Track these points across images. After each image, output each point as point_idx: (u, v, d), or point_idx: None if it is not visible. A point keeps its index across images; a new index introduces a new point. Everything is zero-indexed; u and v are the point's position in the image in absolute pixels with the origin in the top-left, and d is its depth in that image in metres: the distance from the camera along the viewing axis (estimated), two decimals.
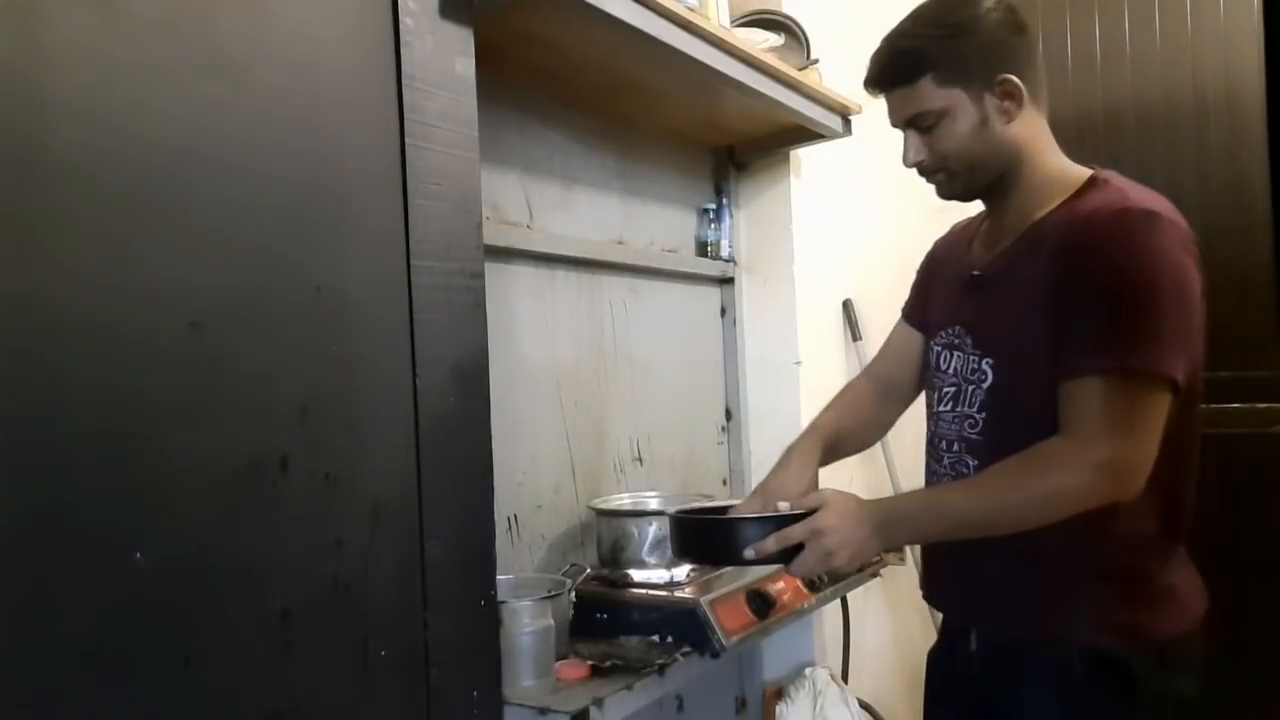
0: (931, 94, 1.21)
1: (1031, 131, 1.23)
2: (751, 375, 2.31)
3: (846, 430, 1.47)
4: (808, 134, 2.14)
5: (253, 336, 0.93)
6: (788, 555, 1.16)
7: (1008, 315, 1.23)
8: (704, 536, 1.28)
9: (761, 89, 1.81)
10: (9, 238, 0.77)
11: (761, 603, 1.58)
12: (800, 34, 2.08)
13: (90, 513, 0.80)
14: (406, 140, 1.08)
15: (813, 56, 2.06)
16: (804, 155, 2.30)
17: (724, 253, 2.25)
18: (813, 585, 1.73)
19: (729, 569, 1.66)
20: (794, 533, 1.15)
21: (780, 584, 1.64)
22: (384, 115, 1.07)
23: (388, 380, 1.05)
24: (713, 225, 2.24)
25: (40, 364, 0.78)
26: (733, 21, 1.90)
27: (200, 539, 0.87)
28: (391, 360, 1.06)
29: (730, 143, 2.27)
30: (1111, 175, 1.23)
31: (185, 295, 0.87)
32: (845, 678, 2.21)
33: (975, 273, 1.31)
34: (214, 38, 0.91)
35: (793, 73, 1.90)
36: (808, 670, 2.11)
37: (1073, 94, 2.91)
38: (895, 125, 1.28)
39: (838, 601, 2.10)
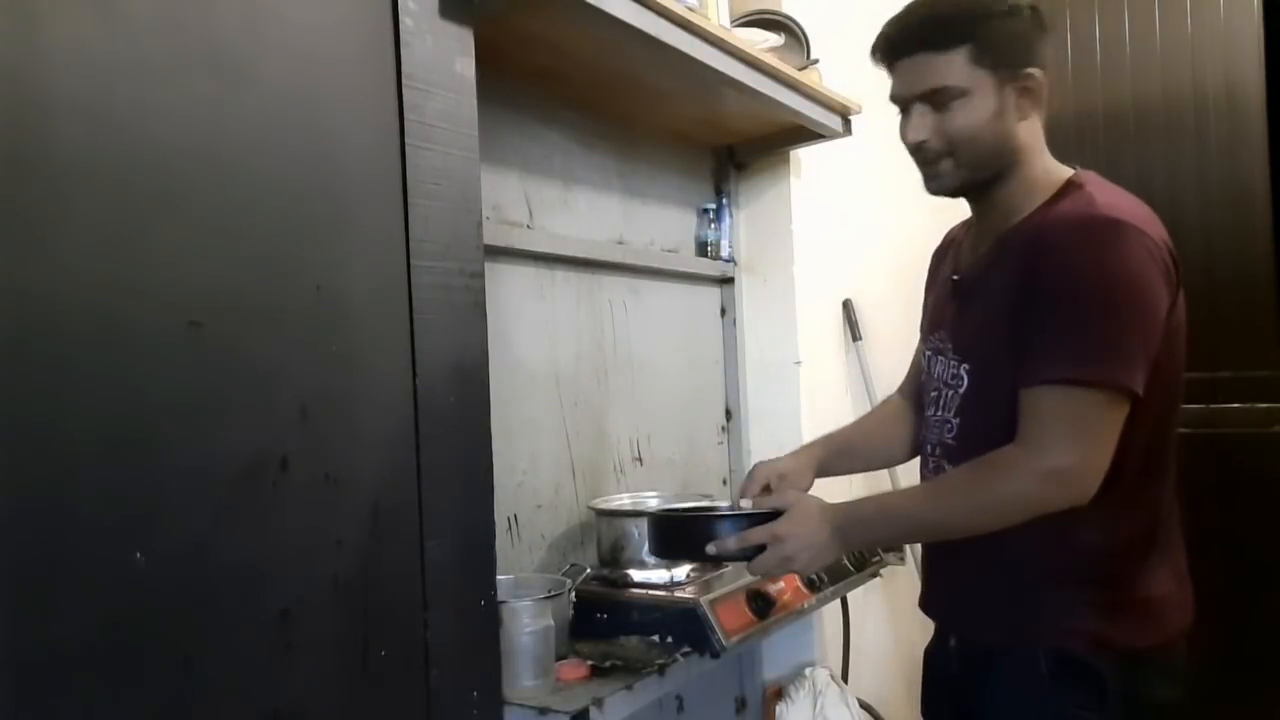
0: (960, 69, 1.14)
1: (1033, 133, 1.21)
2: (751, 375, 2.31)
3: (861, 440, 1.53)
4: (808, 134, 2.14)
5: (253, 336, 0.93)
6: (749, 554, 1.19)
7: (980, 321, 1.23)
8: (673, 532, 1.33)
9: (761, 89, 1.81)
10: (9, 237, 0.77)
11: (761, 603, 1.58)
12: (800, 34, 2.08)
13: (90, 513, 0.80)
14: (406, 140, 1.08)
15: (813, 56, 2.06)
16: (804, 155, 2.30)
17: (724, 253, 2.25)
18: (812, 585, 1.73)
19: (729, 569, 1.66)
20: (755, 535, 1.18)
21: (780, 584, 1.64)
22: (384, 115, 1.07)
23: (388, 380, 1.05)
24: (713, 225, 2.24)
25: (40, 363, 0.78)
26: (733, 21, 1.90)
27: (200, 539, 0.87)
28: (391, 360, 1.06)
29: (730, 143, 2.27)
30: (1089, 177, 1.21)
31: (185, 294, 0.87)
32: (845, 678, 2.21)
33: (955, 277, 1.32)
34: (214, 37, 0.91)
35: (793, 73, 1.90)
36: (808, 670, 2.11)
37: (1073, 94, 2.91)
38: (902, 98, 1.21)
39: (838, 601, 2.10)
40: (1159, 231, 1.13)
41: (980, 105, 1.15)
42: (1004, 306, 1.17)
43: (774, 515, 1.20)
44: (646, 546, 1.59)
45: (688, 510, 1.47)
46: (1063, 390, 1.08)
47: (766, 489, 1.38)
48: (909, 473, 2.43)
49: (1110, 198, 1.15)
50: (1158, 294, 1.10)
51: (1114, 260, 1.08)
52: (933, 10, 1.17)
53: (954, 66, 1.14)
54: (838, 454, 1.49)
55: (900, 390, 1.55)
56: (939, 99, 1.16)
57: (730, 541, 1.20)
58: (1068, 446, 1.07)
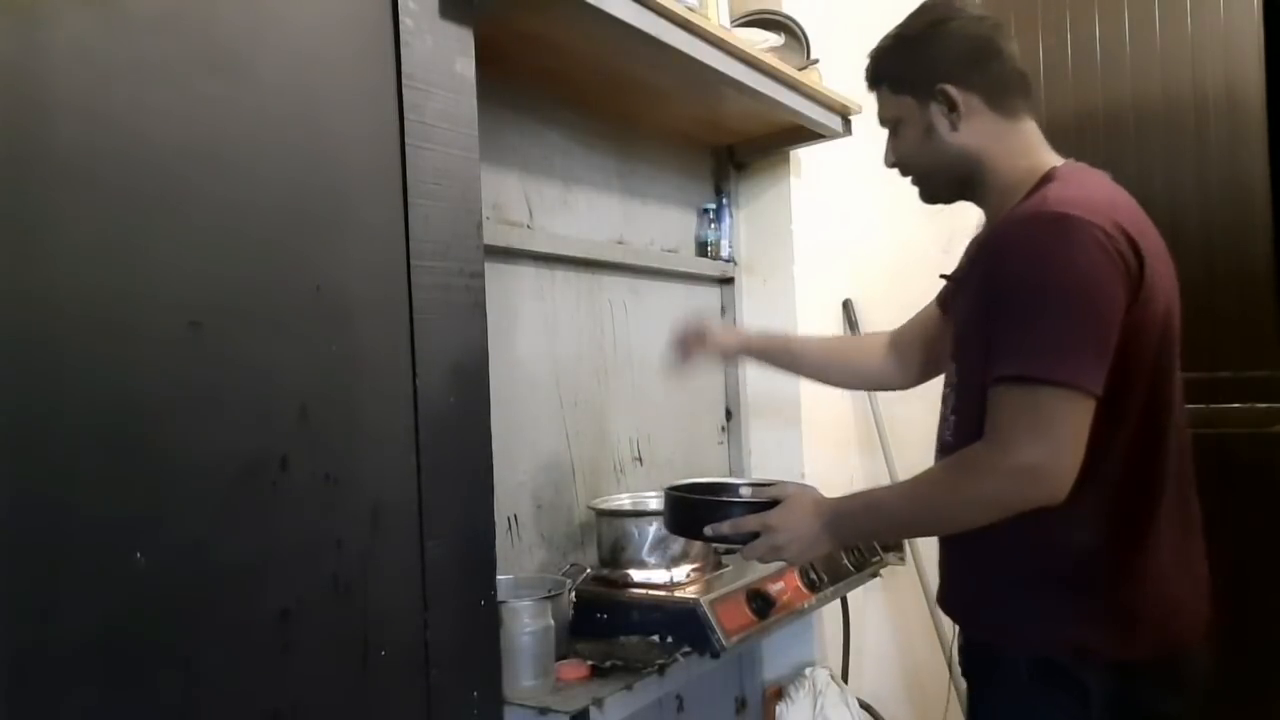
0: (887, 101, 1.30)
1: (990, 138, 1.22)
2: (751, 375, 2.31)
3: (817, 353, 1.70)
4: (808, 134, 2.14)
5: (253, 336, 0.93)
6: (743, 539, 1.27)
7: (960, 322, 1.27)
8: (680, 512, 1.40)
9: (761, 89, 1.82)
10: (9, 237, 0.77)
11: (761, 603, 1.58)
12: (800, 34, 2.09)
13: (90, 513, 0.80)
14: (406, 140, 1.08)
15: (813, 56, 2.06)
16: (804, 155, 2.30)
17: (724, 253, 2.25)
18: (812, 585, 1.73)
19: (729, 568, 1.67)
20: (748, 523, 1.26)
21: (780, 584, 1.64)
22: (384, 115, 1.07)
23: (388, 380, 1.05)
24: (713, 225, 2.24)
25: (40, 363, 0.78)
26: (733, 21, 1.90)
27: (200, 539, 0.87)
28: (391, 360, 1.06)
29: (730, 143, 2.27)
30: (1063, 170, 1.19)
31: (185, 294, 0.87)
32: (845, 678, 2.21)
33: (957, 278, 1.37)
34: (214, 37, 0.91)
35: (793, 73, 1.90)
36: (808, 670, 2.11)
37: (1073, 94, 2.90)
38: None
39: (838, 601, 2.09)
40: (1119, 219, 1.09)
41: (912, 127, 1.27)
42: (975, 307, 1.19)
43: (773, 505, 1.26)
44: (647, 546, 1.61)
45: (703, 486, 1.56)
46: (1017, 387, 1.07)
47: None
48: (909, 473, 2.43)
49: (1067, 191, 1.12)
50: (1108, 287, 1.07)
51: (1057, 257, 1.06)
52: (871, 53, 1.32)
53: (885, 100, 1.31)
54: (784, 350, 1.68)
55: (892, 330, 1.62)
56: (888, 128, 1.32)
57: (725, 526, 1.28)
58: (1029, 443, 1.05)
